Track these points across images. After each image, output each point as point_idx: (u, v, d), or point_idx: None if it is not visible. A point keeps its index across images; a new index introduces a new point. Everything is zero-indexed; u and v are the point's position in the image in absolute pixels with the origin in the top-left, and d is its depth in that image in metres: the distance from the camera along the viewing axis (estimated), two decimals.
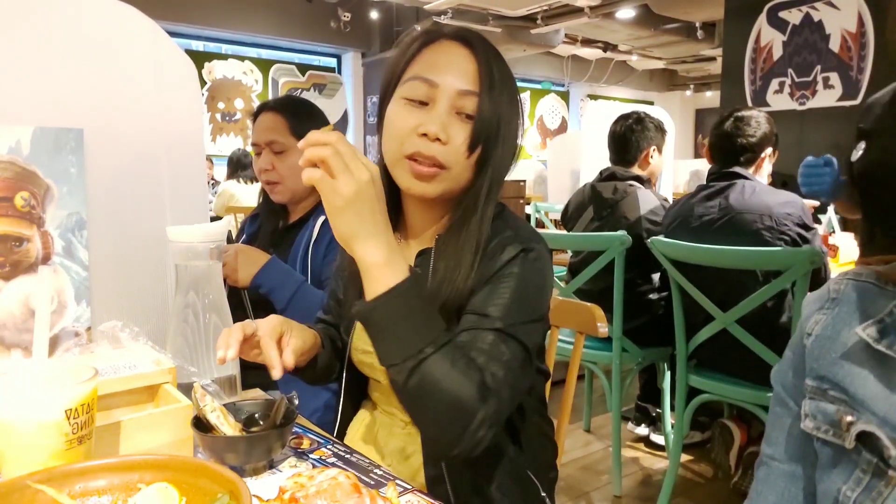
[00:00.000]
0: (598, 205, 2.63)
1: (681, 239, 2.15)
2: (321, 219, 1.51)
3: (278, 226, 1.63)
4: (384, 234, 0.79)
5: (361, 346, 1.01)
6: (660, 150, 2.68)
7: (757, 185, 2.13)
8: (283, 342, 0.95)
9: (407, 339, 0.78)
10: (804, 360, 0.63)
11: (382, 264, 0.78)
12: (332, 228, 0.79)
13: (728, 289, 2.09)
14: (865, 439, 0.55)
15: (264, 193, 1.64)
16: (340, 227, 0.78)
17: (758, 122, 2.18)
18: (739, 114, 2.20)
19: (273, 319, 0.95)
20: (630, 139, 2.62)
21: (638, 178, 2.60)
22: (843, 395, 0.58)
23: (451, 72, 0.90)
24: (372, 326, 0.80)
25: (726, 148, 2.19)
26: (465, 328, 0.86)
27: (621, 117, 2.70)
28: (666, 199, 2.63)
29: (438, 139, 0.88)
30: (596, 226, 2.64)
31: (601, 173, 2.71)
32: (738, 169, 2.17)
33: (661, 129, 2.68)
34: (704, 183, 2.31)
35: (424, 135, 0.88)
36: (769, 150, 2.21)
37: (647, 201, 2.53)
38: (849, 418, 0.57)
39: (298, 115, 1.57)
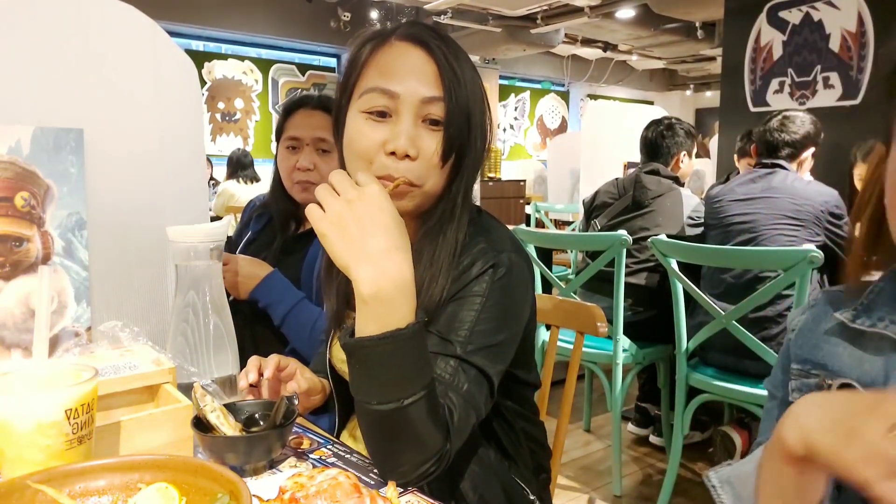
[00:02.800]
0: (640, 195, 2.67)
1: (721, 214, 2.34)
2: None
3: (289, 232, 1.53)
4: (383, 263, 0.73)
5: (342, 356, 1.00)
6: (690, 155, 2.83)
7: (797, 176, 2.29)
8: (283, 373, 1.00)
9: (389, 386, 0.73)
10: (788, 354, 0.74)
11: (376, 300, 0.73)
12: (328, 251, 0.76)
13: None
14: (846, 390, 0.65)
15: (280, 192, 1.52)
16: (332, 253, 0.74)
17: (802, 121, 2.34)
18: (787, 113, 2.36)
19: (293, 361, 1.02)
20: (661, 144, 2.75)
21: (675, 179, 2.71)
22: (823, 370, 0.69)
23: (411, 78, 0.82)
24: (354, 361, 0.76)
25: (771, 143, 2.34)
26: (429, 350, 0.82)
27: (653, 123, 2.82)
28: (703, 201, 2.72)
29: (408, 156, 0.82)
30: (633, 215, 2.68)
31: (641, 167, 2.77)
32: (780, 161, 2.30)
33: (690, 135, 2.81)
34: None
35: (392, 153, 0.82)
36: (812, 149, 2.36)
37: (689, 201, 2.64)
38: (829, 381, 0.68)
39: None
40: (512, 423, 0.99)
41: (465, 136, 0.86)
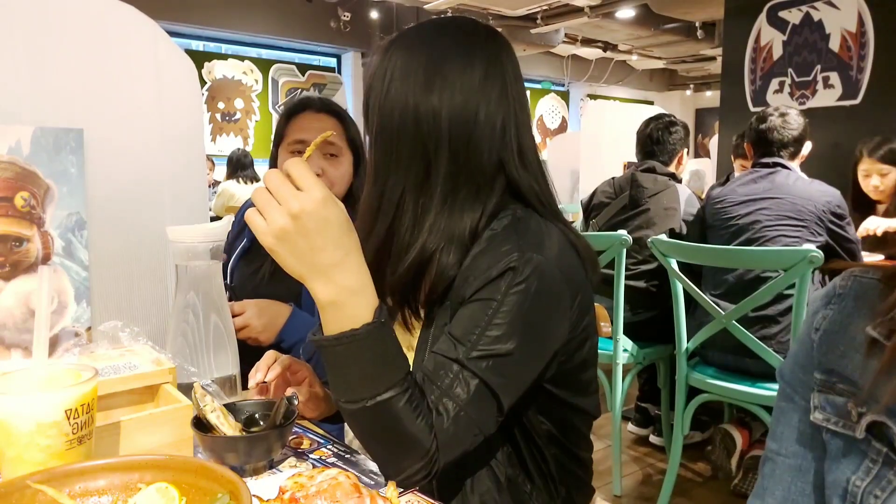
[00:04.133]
0: (637, 194, 2.67)
1: (723, 215, 2.32)
2: None
3: None
4: (336, 274, 0.73)
5: None
6: (688, 152, 2.82)
7: (799, 175, 2.28)
8: (293, 377, 1.00)
9: (353, 385, 0.75)
10: (811, 355, 0.64)
11: (333, 307, 0.74)
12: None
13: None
14: (875, 429, 0.56)
15: None
16: (284, 265, 0.73)
17: (797, 116, 2.33)
18: (782, 110, 2.33)
19: (306, 368, 1.01)
20: (666, 141, 2.72)
21: (672, 176, 2.69)
22: (852, 387, 0.59)
23: None
24: (324, 360, 0.77)
25: (775, 141, 2.31)
26: (436, 351, 0.81)
27: (652, 119, 2.79)
28: (700, 198, 2.74)
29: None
30: (629, 214, 2.68)
31: (637, 166, 2.76)
32: (781, 160, 2.29)
33: (688, 131, 2.80)
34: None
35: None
36: (809, 143, 2.35)
37: (685, 196, 2.63)
38: (859, 409, 0.58)
39: (351, 121, 1.49)
40: (541, 447, 0.91)
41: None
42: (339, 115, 1.47)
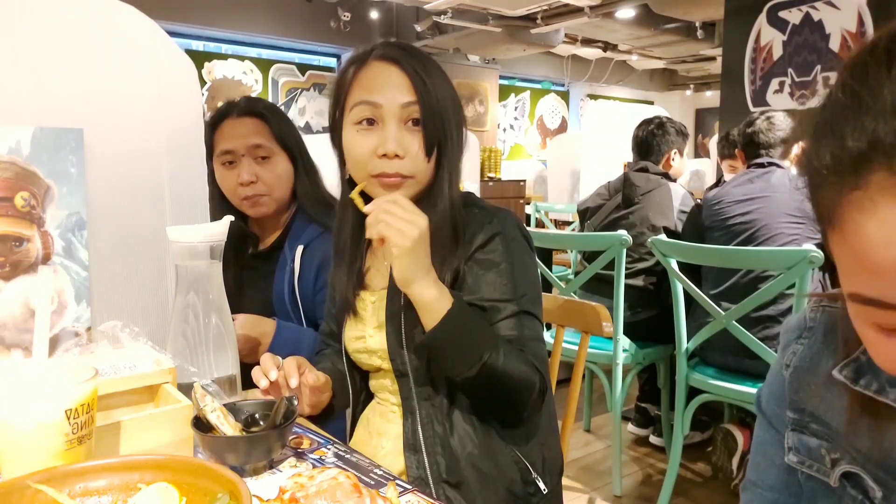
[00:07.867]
0: (629, 193, 2.69)
1: (721, 216, 2.33)
2: (299, 250, 1.36)
3: (247, 251, 1.47)
4: (433, 272, 0.93)
5: (353, 334, 1.08)
6: (681, 153, 2.84)
7: (794, 174, 2.24)
8: (301, 373, 1.00)
9: (468, 351, 0.91)
10: (784, 390, 0.62)
11: (436, 298, 0.91)
12: (395, 271, 0.90)
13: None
14: (850, 477, 0.54)
15: (225, 212, 1.33)
16: (405, 269, 0.89)
17: (784, 120, 2.34)
18: (769, 113, 2.37)
19: (299, 358, 1.02)
20: (652, 143, 2.77)
21: (665, 175, 2.72)
22: (825, 428, 0.57)
23: (388, 89, 0.99)
24: (436, 350, 0.94)
25: (761, 143, 2.34)
26: (491, 322, 0.98)
27: (644, 122, 2.84)
28: (692, 195, 2.75)
29: (397, 155, 0.97)
30: (623, 213, 2.69)
31: (631, 166, 2.79)
32: (774, 159, 2.31)
33: (682, 133, 2.83)
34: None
35: (384, 154, 0.98)
36: (800, 144, 2.31)
37: (678, 194, 2.66)
38: (832, 455, 0.56)
39: (278, 117, 1.43)
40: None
41: (441, 131, 1.00)
42: (261, 115, 1.42)
